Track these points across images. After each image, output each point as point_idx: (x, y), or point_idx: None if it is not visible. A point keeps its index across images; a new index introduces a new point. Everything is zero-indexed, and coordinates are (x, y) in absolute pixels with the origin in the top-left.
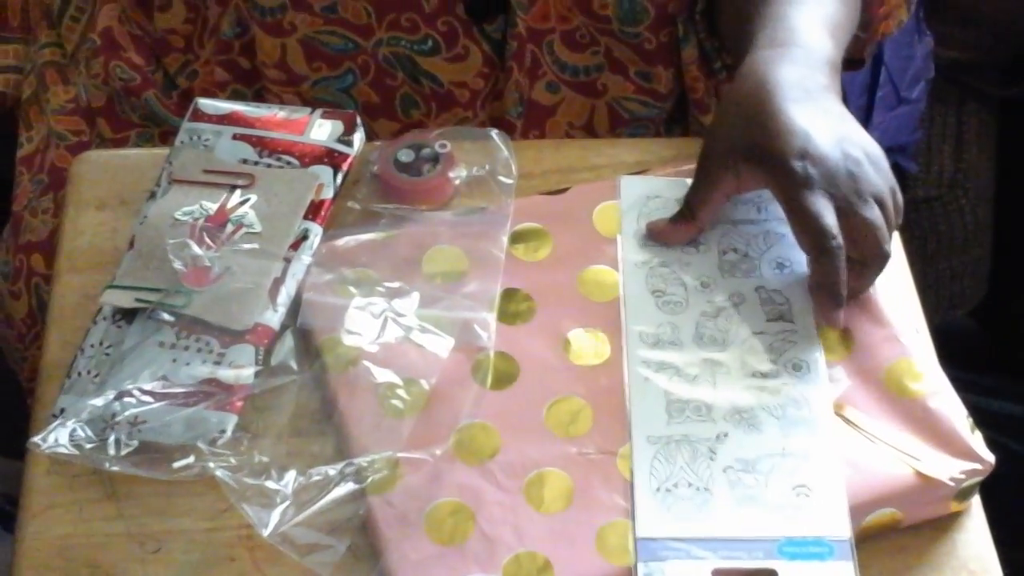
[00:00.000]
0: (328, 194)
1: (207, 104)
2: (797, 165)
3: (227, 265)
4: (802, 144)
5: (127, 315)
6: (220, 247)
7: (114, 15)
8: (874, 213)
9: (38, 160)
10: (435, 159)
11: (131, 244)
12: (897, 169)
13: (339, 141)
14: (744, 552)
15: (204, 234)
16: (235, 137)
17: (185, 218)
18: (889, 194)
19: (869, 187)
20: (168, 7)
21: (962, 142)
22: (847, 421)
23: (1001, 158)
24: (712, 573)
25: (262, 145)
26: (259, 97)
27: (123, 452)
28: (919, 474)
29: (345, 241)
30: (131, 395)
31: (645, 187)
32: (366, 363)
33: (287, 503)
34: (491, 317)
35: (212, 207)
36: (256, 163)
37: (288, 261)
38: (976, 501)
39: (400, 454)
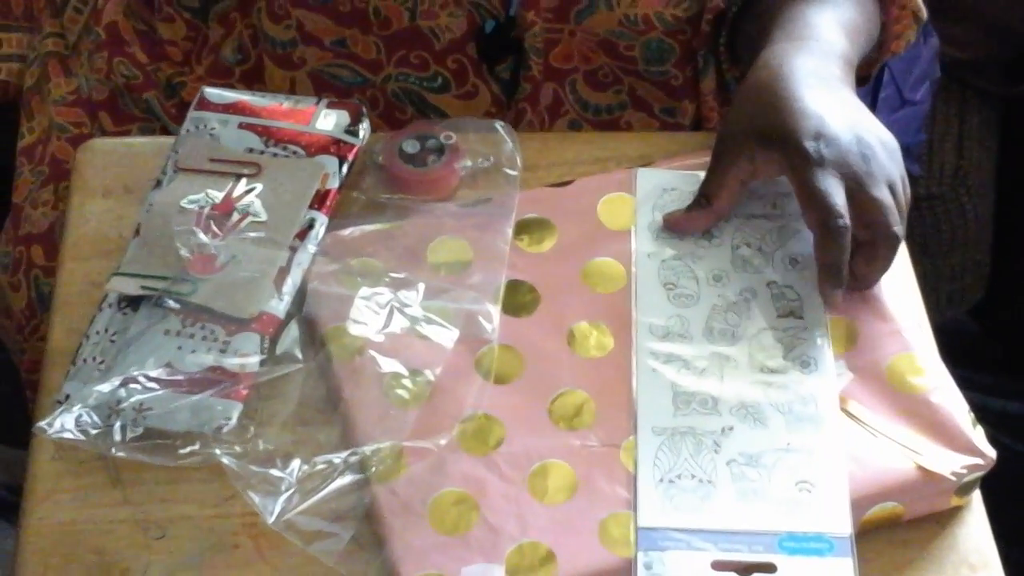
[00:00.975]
0: (334, 184)
1: (213, 93)
2: (810, 145)
3: (233, 253)
4: (816, 126)
5: (133, 302)
6: (226, 235)
7: (120, 9)
8: (884, 193)
9: (39, 151)
10: (440, 150)
11: (136, 232)
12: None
13: (345, 131)
14: (744, 545)
15: (210, 222)
16: (241, 126)
17: (191, 206)
18: (900, 182)
19: (881, 170)
20: (171, 20)
21: (964, 140)
22: (849, 415)
23: (1003, 157)
24: (711, 565)
25: (268, 134)
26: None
27: (128, 438)
28: (921, 468)
29: (350, 231)
30: (137, 382)
31: (661, 179)
32: (372, 353)
33: (292, 491)
34: (495, 309)
35: (218, 196)
36: (262, 152)
37: (293, 250)
38: (977, 496)
39: (405, 443)
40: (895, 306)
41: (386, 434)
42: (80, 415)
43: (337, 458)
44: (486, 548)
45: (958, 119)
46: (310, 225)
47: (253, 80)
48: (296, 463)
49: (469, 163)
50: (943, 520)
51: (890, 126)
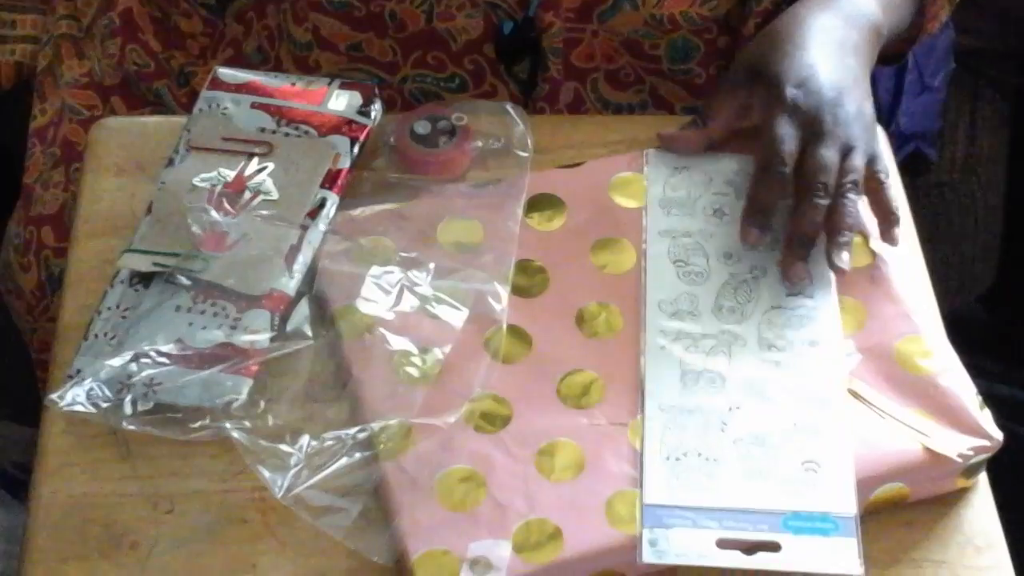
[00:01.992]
0: (345, 164)
1: (226, 73)
2: (790, 91)
3: (244, 231)
4: (805, 76)
5: (144, 279)
6: (238, 213)
7: None
8: (831, 155)
9: (51, 132)
10: (451, 131)
11: (149, 209)
12: (919, 156)
13: (357, 112)
14: (749, 524)
15: (222, 200)
16: (253, 106)
17: (203, 184)
18: (861, 154)
19: (844, 134)
20: (188, 16)
21: (976, 129)
22: (857, 396)
23: (1014, 145)
24: (716, 543)
25: (280, 114)
26: None
27: (139, 412)
28: (927, 449)
29: (361, 210)
30: (148, 357)
31: (672, 159)
32: (381, 331)
33: (301, 466)
34: (505, 289)
35: (230, 174)
36: (274, 132)
37: (305, 229)
38: (983, 478)
39: (413, 421)
40: (904, 288)
41: (395, 411)
42: (91, 388)
43: (346, 434)
44: (493, 524)
45: (970, 108)
46: (321, 204)
47: None
48: (305, 439)
49: (480, 144)
50: (949, 501)
51: (913, 110)
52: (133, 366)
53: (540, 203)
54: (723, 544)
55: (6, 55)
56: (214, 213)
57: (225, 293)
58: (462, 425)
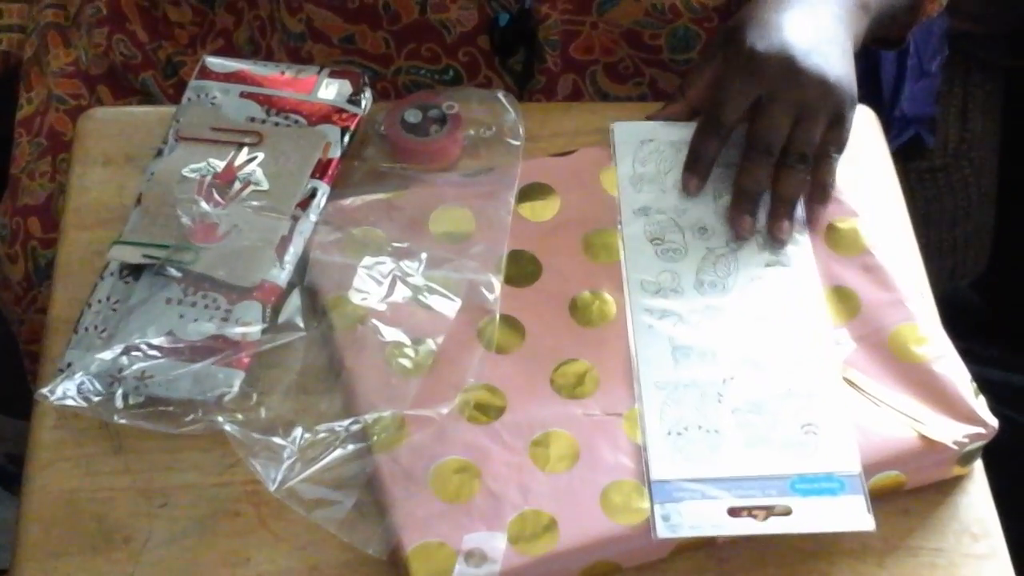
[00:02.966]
0: (335, 153)
1: (215, 62)
2: (748, 47)
3: (234, 222)
4: (768, 35)
5: (134, 271)
6: (228, 204)
7: None
8: (780, 116)
9: (37, 122)
10: (442, 120)
11: (138, 201)
12: (917, 141)
13: (347, 101)
14: (757, 490)
15: (212, 191)
16: (243, 95)
17: (193, 175)
18: (821, 122)
19: (803, 98)
20: (177, 4)
21: (968, 113)
22: (852, 384)
23: (1006, 129)
24: (728, 511)
25: (270, 103)
26: None
27: (130, 406)
28: (923, 437)
29: (352, 200)
30: (138, 350)
31: (638, 131)
32: (374, 322)
33: (294, 459)
34: (497, 279)
35: (220, 164)
36: (264, 121)
37: (295, 219)
38: (979, 465)
39: (406, 412)
40: (898, 276)
41: (388, 403)
42: (82, 382)
43: (339, 426)
44: (488, 516)
45: (962, 91)
46: (312, 194)
47: None
48: (298, 431)
49: (471, 133)
50: (945, 489)
51: (913, 95)
52: (124, 359)
53: (532, 192)
54: (734, 512)
55: None
56: (204, 204)
57: (216, 285)
58: (456, 416)
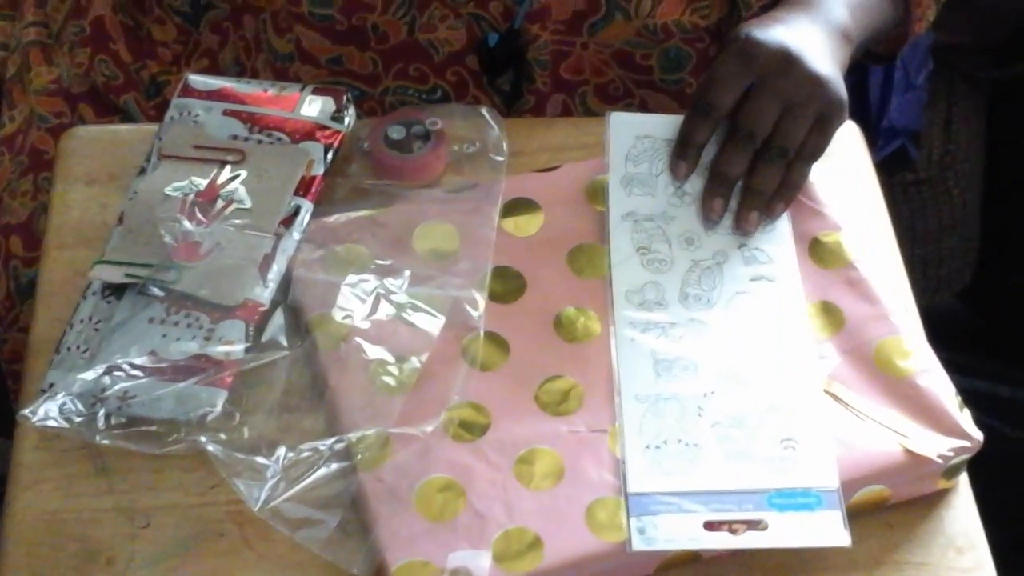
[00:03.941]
0: (319, 170)
1: (197, 80)
2: (743, 38)
3: (217, 241)
4: (766, 29)
5: (117, 290)
6: (210, 223)
7: (109, 3)
8: (765, 107)
9: (19, 140)
10: (426, 136)
11: (120, 220)
12: (904, 154)
13: (330, 118)
14: (734, 504)
15: (194, 209)
16: (225, 113)
17: (175, 193)
18: (807, 121)
19: (792, 93)
20: (162, 23)
21: (952, 125)
22: (836, 398)
23: (990, 141)
24: (703, 525)
25: (252, 121)
26: None
27: (113, 426)
28: (907, 451)
29: (336, 218)
30: (121, 370)
31: (635, 126)
32: (357, 340)
33: (277, 478)
34: (482, 296)
35: (202, 183)
36: (246, 139)
37: (278, 237)
38: (964, 478)
39: (391, 430)
40: (882, 289)
41: (372, 421)
42: (64, 403)
43: (323, 445)
44: (473, 534)
45: (946, 104)
46: (295, 212)
47: None
48: (282, 450)
49: (455, 148)
50: (930, 503)
51: (900, 107)
52: (106, 379)
53: (516, 207)
54: (711, 526)
55: None
56: (186, 223)
57: (199, 304)
58: (440, 434)
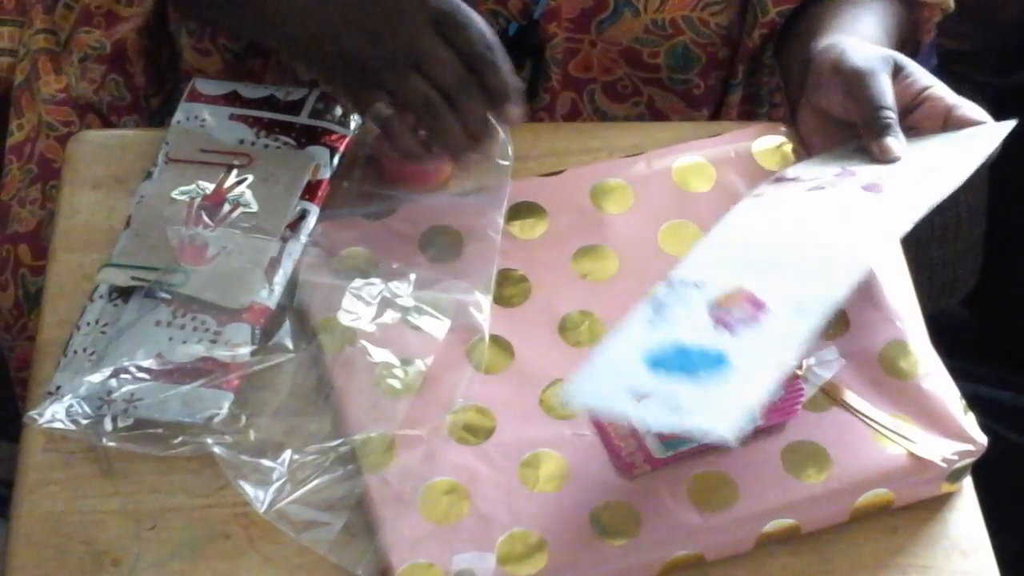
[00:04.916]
0: (325, 175)
1: (205, 84)
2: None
3: (224, 244)
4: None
5: (124, 293)
6: (217, 226)
7: (134, 27)
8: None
9: (28, 149)
10: None
11: (127, 223)
12: None
13: (336, 122)
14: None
15: (201, 213)
16: (232, 117)
17: (182, 197)
18: None
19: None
20: (207, 54)
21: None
22: (840, 401)
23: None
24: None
25: (259, 125)
26: None
27: (119, 428)
28: (911, 455)
29: (341, 222)
30: (127, 372)
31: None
32: (363, 343)
33: (283, 481)
34: (487, 299)
35: (209, 187)
36: (253, 143)
37: (285, 241)
38: (968, 482)
39: (396, 433)
40: (887, 293)
41: (377, 424)
42: (71, 405)
43: (328, 448)
44: (477, 537)
45: None
46: (301, 216)
47: None
48: (287, 453)
49: None
50: (934, 506)
51: None
52: (113, 382)
53: (521, 211)
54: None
55: None
56: (193, 226)
57: (205, 307)
58: (445, 437)
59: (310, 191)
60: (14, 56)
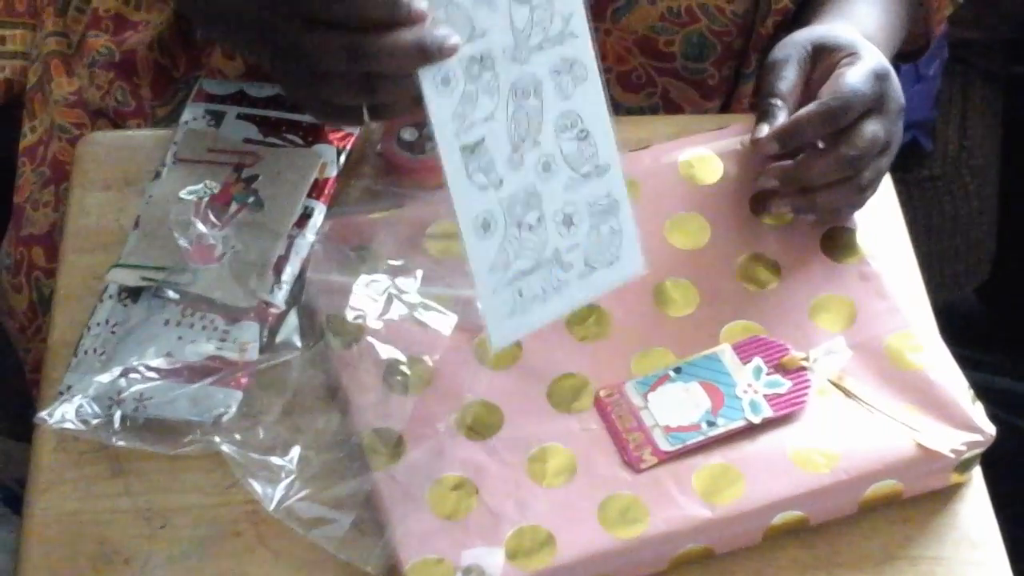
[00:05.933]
0: (331, 172)
1: (212, 84)
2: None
3: (231, 243)
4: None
5: (133, 293)
6: (225, 225)
7: (147, 39)
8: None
9: (40, 151)
10: None
11: (136, 224)
12: (916, 146)
13: None
14: None
15: (209, 212)
16: (239, 117)
17: (190, 197)
18: (881, 139)
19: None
20: (231, 58)
21: (967, 120)
22: (847, 392)
23: (1006, 137)
24: None
25: (266, 124)
26: None
27: (129, 428)
28: (920, 446)
29: (348, 219)
30: (137, 372)
31: None
32: (370, 340)
33: (292, 478)
34: None
35: (216, 186)
36: (260, 142)
37: (292, 239)
38: (977, 472)
39: (404, 429)
40: (894, 284)
41: (385, 420)
42: (81, 405)
43: (336, 445)
44: (486, 532)
45: (961, 99)
46: (308, 214)
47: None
48: (296, 450)
49: None
50: (944, 497)
51: (909, 99)
52: (122, 381)
53: None
54: None
55: None
56: (201, 226)
57: (213, 306)
58: (453, 433)
59: (317, 189)
60: (27, 59)
